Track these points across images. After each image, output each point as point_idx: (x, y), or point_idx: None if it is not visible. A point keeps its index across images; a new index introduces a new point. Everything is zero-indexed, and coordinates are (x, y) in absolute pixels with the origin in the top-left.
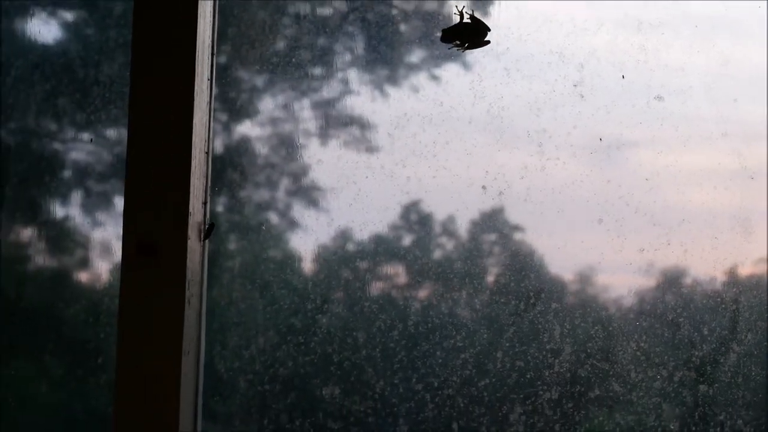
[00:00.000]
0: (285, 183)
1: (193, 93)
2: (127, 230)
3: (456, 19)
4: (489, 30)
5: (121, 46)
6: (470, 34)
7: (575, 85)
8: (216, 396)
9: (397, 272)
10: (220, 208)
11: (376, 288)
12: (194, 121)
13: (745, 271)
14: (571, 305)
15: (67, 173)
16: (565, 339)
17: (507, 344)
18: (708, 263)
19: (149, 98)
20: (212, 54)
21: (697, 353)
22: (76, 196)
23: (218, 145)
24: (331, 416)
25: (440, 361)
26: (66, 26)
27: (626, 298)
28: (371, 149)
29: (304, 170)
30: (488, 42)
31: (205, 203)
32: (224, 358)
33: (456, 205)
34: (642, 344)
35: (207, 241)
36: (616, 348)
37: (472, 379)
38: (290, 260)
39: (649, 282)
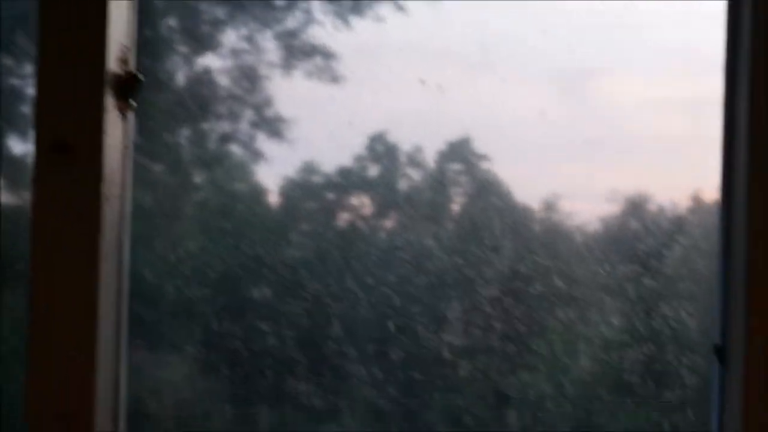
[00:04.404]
0: (248, 114)
1: None
2: (40, 127)
3: None
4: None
5: None
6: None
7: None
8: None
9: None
10: (182, 140)
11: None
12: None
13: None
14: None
15: None
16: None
17: None
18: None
19: None
20: None
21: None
22: None
23: (180, 78)
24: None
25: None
26: None
27: (592, 224)
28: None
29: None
30: None
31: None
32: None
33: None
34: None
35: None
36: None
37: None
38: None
39: (614, 208)
